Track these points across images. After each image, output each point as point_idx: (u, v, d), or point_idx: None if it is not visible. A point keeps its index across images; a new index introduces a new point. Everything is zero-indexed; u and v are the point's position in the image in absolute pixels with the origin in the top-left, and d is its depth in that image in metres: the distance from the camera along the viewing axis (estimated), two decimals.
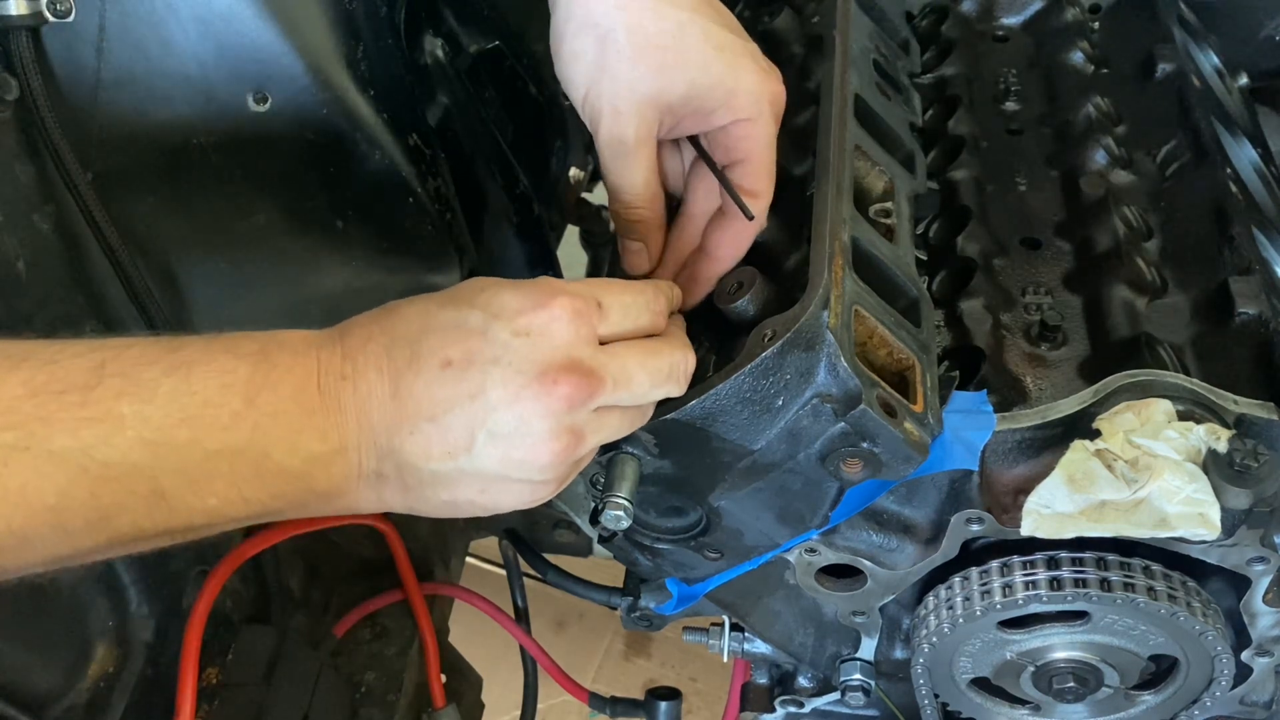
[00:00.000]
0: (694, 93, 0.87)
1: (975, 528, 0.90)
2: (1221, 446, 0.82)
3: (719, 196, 0.93)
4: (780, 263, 0.92)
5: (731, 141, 0.90)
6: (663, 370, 0.79)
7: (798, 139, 1.01)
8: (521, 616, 1.41)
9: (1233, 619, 0.93)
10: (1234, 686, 0.96)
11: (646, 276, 0.94)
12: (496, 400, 0.71)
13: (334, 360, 0.71)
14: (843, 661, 1.09)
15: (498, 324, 0.73)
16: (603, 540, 0.95)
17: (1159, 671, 0.98)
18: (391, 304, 0.76)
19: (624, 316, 0.78)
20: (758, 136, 0.89)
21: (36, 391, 0.62)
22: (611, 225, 1.70)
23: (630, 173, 0.89)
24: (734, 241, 0.92)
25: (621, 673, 2.46)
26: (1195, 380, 0.87)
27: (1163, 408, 0.84)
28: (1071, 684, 0.96)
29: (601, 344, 0.76)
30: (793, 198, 0.96)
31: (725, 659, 1.19)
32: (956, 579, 0.94)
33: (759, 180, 0.91)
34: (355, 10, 1.01)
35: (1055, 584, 0.89)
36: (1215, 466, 0.82)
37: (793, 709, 1.19)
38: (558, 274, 1.30)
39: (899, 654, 1.08)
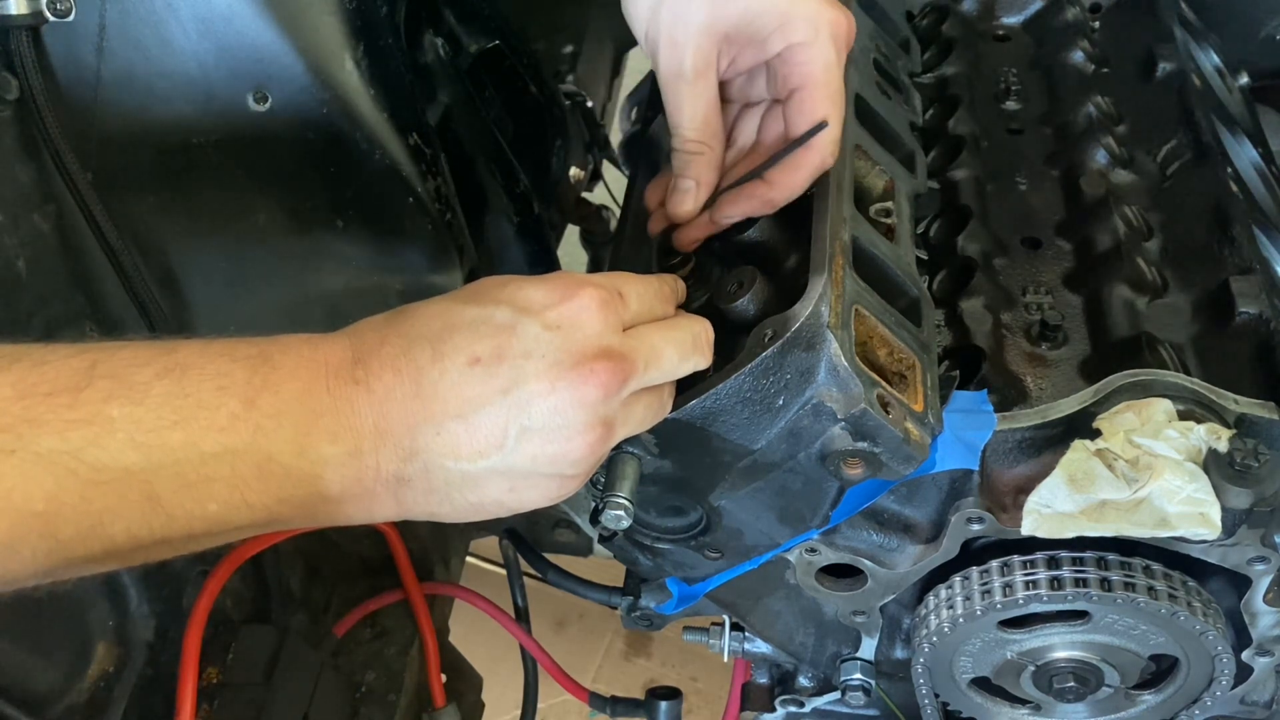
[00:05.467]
0: (747, 18, 0.87)
1: (975, 527, 0.90)
2: (1222, 446, 0.82)
3: (784, 125, 0.92)
4: (780, 263, 0.92)
5: (789, 69, 0.89)
6: (686, 341, 0.79)
7: None
8: (521, 616, 1.41)
9: (1233, 619, 0.93)
10: (1234, 686, 0.96)
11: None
12: (531, 394, 0.70)
13: (344, 365, 0.70)
14: (843, 661, 1.09)
15: (527, 319, 0.72)
16: (603, 540, 0.95)
17: (1159, 671, 0.98)
18: (402, 308, 0.75)
19: (640, 303, 0.79)
20: (815, 60, 0.88)
21: (25, 394, 0.60)
22: (613, 223, 1.71)
23: (688, 104, 0.90)
24: (792, 171, 0.90)
25: (622, 672, 2.46)
26: (1196, 380, 0.87)
27: (1163, 407, 0.84)
28: (1072, 683, 0.96)
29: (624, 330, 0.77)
30: None
31: (725, 659, 1.18)
32: (957, 578, 0.94)
33: (819, 103, 0.88)
34: (355, 10, 1.01)
35: (1055, 584, 0.89)
36: (1216, 466, 0.82)
37: (793, 708, 1.19)
38: None
39: (899, 653, 1.08)
